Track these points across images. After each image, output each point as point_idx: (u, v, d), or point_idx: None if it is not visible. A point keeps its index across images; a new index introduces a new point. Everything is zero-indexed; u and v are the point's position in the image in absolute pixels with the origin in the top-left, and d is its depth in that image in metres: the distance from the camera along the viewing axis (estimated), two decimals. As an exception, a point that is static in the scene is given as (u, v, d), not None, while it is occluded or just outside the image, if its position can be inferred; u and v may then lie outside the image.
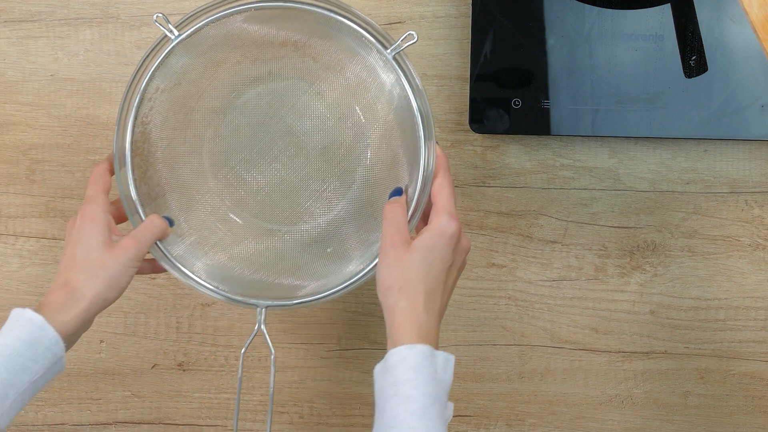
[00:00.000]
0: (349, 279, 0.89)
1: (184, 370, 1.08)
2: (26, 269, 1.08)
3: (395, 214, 0.85)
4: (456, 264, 0.85)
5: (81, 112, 1.05)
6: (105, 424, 1.09)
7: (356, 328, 1.07)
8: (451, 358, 0.81)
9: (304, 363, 1.07)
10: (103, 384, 1.09)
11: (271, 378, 0.90)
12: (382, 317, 1.06)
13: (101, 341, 1.08)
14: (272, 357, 0.90)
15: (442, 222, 0.84)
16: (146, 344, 1.08)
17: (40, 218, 1.07)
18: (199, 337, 1.08)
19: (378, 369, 0.81)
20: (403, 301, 0.82)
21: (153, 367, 1.09)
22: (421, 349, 0.79)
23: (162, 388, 1.09)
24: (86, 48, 1.05)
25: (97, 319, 1.08)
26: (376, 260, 0.87)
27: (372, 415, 1.07)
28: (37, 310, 0.83)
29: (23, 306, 0.83)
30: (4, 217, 1.07)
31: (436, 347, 0.81)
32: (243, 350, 0.90)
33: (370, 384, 1.07)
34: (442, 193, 0.86)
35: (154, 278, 1.07)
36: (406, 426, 0.77)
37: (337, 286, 0.89)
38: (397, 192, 0.88)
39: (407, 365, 0.79)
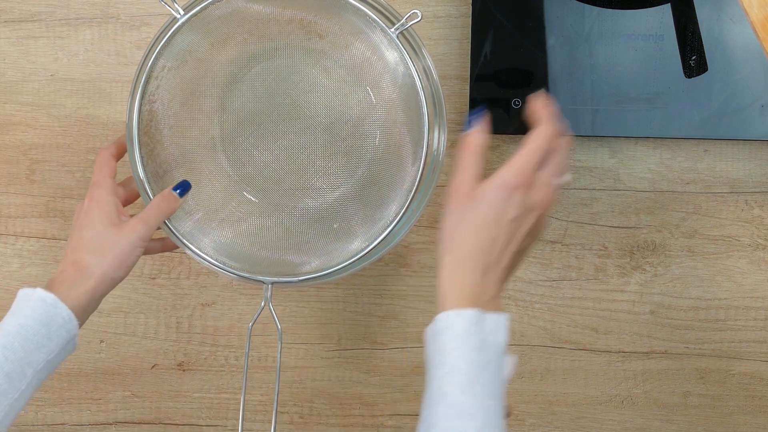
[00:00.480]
0: (354, 256, 0.90)
1: (184, 370, 1.08)
2: (26, 269, 1.08)
3: (468, 161, 0.80)
4: (523, 222, 0.79)
5: (81, 112, 1.05)
6: (105, 424, 1.09)
7: (356, 328, 1.07)
8: (503, 317, 0.77)
9: (304, 363, 1.07)
10: (103, 384, 1.09)
11: (278, 354, 0.92)
12: (382, 317, 1.06)
13: (101, 341, 1.08)
14: (279, 332, 0.91)
15: (501, 172, 0.79)
16: (146, 344, 1.08)
17: (40, 218, 1.07)
18: (199, 337, 1.08)
19: (428, 332, 0.77)
20: (449, 256, 0.78)
21: (153, 367, 1.09)
22: (469, 315, 0.75)
23: (162, 388, 1.09)
24: (86, 48, 1.05)
25: (97, 319, 1.08)
26: (380, 239, 0.88)
27: (372, 415, 1.08)
28: (47, 288, 0.83)
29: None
30: (4, 217, 1.07)
31: (492, 307, 0.77)
32: (250, 325, 0.92)
33: (370, 384, 1.08)
34: (524, 143, 0.80)
35: (154, 278, 1.07)
36: (451, 400, 0.74)
37: (341, 263, 0.90)
38: (474, 119, 0.82)
39: (452, 333, 0.75)
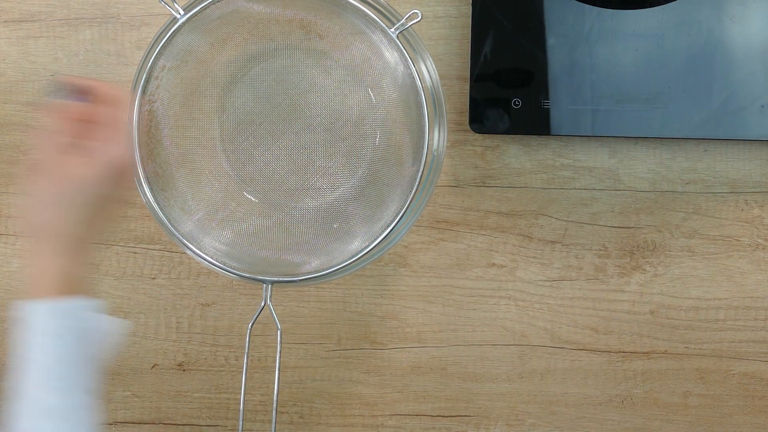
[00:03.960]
0: (354, 256, 0.90)
1: (184, 370, 1.08)
2: (26, 269, 1.07)
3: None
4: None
5: (81, 112, 1.05)
6: (105, 424, 1.09)
7: (356, 328, 1.07)
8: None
9: (304, 363, 1.07)
10: (103, 384, 1.09)
11: (278, 354, 0.92)
12: (382, 317, 1.06)
13: (101, 341, 1.08)
14: (279, 333, 0.91)
15: None
16: (146, 344, 1.08)
17: (40, 218, 1.07)
18: (199, 337, 1.08)
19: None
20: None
21: (153, 367, 1.09)
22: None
23: (162, 388, 1.09)
24: (86, 48, 1.05)
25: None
26: (380, 239, 0.88)
27: (372, 415, 1.08)
28: None
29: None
30: (4, 217, 1.07)
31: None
32: (250, 325, 0.92)
33: (370, 384, 1.08)
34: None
35: (154, 278, 1.07)
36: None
37: (341, 263, 0.90)
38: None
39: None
